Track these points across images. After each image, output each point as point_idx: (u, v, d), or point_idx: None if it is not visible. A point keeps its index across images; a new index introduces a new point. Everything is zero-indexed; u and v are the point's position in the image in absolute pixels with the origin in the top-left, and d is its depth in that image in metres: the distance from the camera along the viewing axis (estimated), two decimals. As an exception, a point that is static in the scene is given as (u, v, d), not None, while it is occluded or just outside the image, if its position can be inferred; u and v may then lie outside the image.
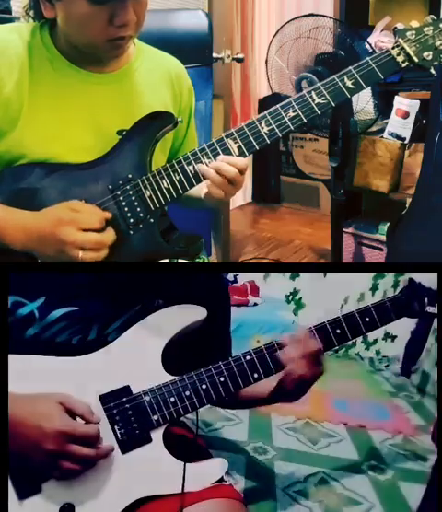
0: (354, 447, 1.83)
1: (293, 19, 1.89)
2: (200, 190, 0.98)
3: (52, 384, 0.75)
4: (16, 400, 0.71)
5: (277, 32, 1.92)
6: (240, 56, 2.20)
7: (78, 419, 0.72)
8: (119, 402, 0.77)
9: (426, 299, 0.87)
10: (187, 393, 0.78)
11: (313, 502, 1.44)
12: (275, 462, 1.65)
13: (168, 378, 0.79)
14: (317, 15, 1.85)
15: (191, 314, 0.83)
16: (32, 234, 0.87)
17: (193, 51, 1.10)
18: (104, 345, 0.81)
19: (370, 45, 1.92)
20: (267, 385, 0.88)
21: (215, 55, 2.01)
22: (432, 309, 0.87)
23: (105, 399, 0.76)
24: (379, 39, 2.16)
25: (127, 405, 0.77)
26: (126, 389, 0.77)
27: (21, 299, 0.79)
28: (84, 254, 0.86)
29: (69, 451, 0.69)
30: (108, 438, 0.75)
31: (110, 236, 0.89)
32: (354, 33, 1.84)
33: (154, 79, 1.02)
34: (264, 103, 3.54)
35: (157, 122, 0.95)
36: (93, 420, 0.72)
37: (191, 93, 1.11)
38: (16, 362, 0.76)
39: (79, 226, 0.86)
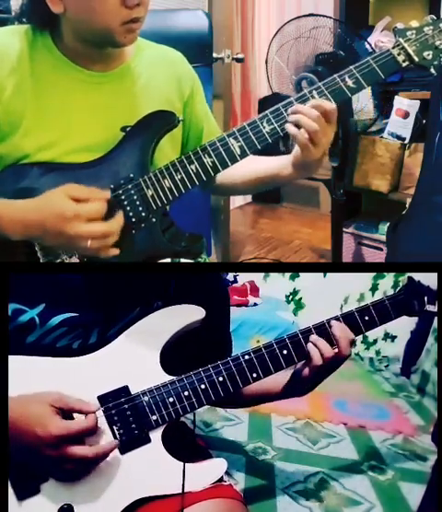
0: (354, 447, 1.83)
1: (293, 19, 1.88)
2: (268, 167, 1.02)
3: (51, 385, 0.75)
4: (9, 403, 0.70)
5: (277, 32, 1.92)
6: (240, 56, 2.20)
7: (76, 417, 0.72)
8: (117, 403, 0.76)
9: (426, 298, 0.87)
10: (186, 393, 0.78)
11: (313, 502, 1.44)
12: (275, 462, 1.65)
13: (167, 378, 0.79)
14: (317, 15, 1.85)
15: (189, 314, 0.83)
16: (33, 226, 0.86)
17: (193, 51, 1.10)
18: None
19: (370, 45, 1.92)
20: (278, 379, 0.88)
21: (215, 55, 2.01)
22: (432, 308, 0.87)
23: (103, 399, 0.76)
24: (379, 39, 2.16)
25: (126, 406, 0.76)
26: (125, 390, 0.77)
27: (21, 306, 0.79)
28: (92, 243, 0.85)
29: (68, 453, 0.69)
30: (106, 439, 0.75)
31: (115, 224, 0.88)
32: (354, 33, 1.84)
33: (156, 73, 1.01)
34: (264, 103, 3.53)
35: (158, 122, 0.95)
36: (89, 410, 0.72)
37: (195, 80, 1.09)
38: (15, 363, 0.76)
39: (84, 218, 0.85)
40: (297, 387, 0.87)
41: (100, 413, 0.75)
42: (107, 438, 0.75)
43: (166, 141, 0.97)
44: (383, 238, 2.26)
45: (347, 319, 0.84)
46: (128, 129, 0.95)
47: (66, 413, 0.72)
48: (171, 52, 1.07)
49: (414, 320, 2.49)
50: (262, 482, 1.54)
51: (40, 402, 0.71)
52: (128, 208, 0.93)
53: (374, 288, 2.91)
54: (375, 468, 1.69)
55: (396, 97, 2.11)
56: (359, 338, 2.90)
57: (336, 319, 0.84)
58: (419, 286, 0.89)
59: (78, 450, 0.69)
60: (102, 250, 0.86)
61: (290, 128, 0.91)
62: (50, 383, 0.76)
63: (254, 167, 1.04)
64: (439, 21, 0.92)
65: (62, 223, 0.84)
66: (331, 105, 0.90)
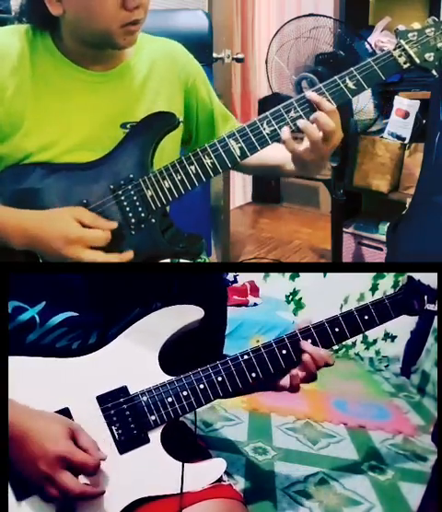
0: (354, 447, 1.83)
1: (293, 19, 1.88)
2: (275, 157, 1.04)
3: (51, 385, 0.75)
4: (28, 413, 0.70)
5: (277, 32, 1.92)
6: (240, 56, 2.20)
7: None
8: (116, 403, 0.76)
9: (426, 297, 0.87)
10: (184, 393, 0.78)
11: (313, 502, 1.45)
12: (275, 462, 1.66)
13: (166, 378, 0.79)
14: (317, 15, 1.84)
15: (188, 314, 0.83)
16: (35, 240, 0.87)
17: (193, 51, 1.10)
18: None
19: (370, 45, 1.91)
20: None
21: (215, 55, 2.01)
22: (431, 307, 0.87)
23: (102, 399, 0.76)
24: (379, 39, 2.16)
25: (124, 406, 0.77)
26: (123, 390, 0.77)
27: (22, 304, 0.79)
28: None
29: (58, 478, 0.67)
30: (105, 439, 0.75)
31: (114, 258, 0.89)
32: (354, 33, 1.83)
33: (155, 66, 1.01)
34: (264, 103, 3.53)
35: (159, 123, 0.95)
36: (96, 455, 0.70)
37: (197, 68, 1.09)
38: (14, 363, 0.76)
39: (86, 245, 0.86)
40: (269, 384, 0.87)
41: (103, 422, 0.75)
42: (106, 439, 0.75)
43: (167, 142, 0.97)
44: (383, 238, 2.26)
45: (347, 318, 0.84)
46: (128, 127, 0.95)
47: (76, 443, 0.71)
48: (170, 43, 1.07)
49: (414, 319, 2.50)
50: (262, 482, 1.54)
51: (59, 423, 0.71)
52: (127, 209, 0.93)
53: (374, 288, 2.91)
54: (375, 468, 1.69)
55: (396, 97, 2.11)
56: (359, 338, 2.90)
57: (336, 319, 0.84)
58: (419, 285, 0.88)
59: (67, 480, 0.67)
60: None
61: (284, 133, 0.91)
62: (49, 383, 0.76)
63: (265, 154, 1.03)
64: (441, 23, 0.91)
65: (64, 244, 0.86)
66: (330, 125, 0.89)
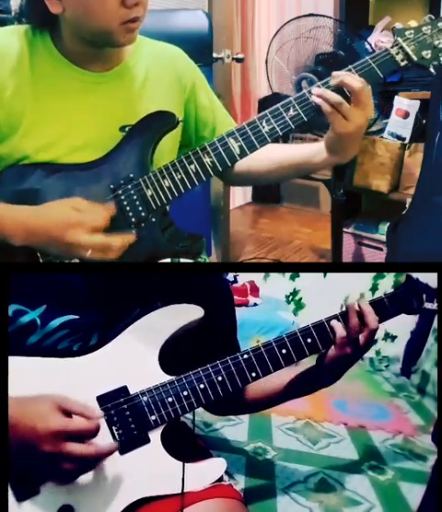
0: (354, 447, 1.83)
1: (293, 19, 1.89)
2: (302, 152, 1.01)
3: (50, 385, 0.75)
4: (11, 402, 0.70)
5: (277, 32, 1.92)
6: (240, 56, 2.20)
7: (78, 418, 0.71)
8: (116, 403, 0.76)
9: (425, 296, 0.87)
10: (185, 393, 0.78)
11: (313, 502, 1.44)
12: (275, 462, 1.65)
13: (166, 378, 0.79)
14: (317, 15, 1.85)
15: (187, 313, 0.83)
16: (34, 232, 0.87)
17: (193, 51, 1.10)
18: None
19: (370, 45, 1.92)
20: (283, 378, 0.87)
21: (215, 55, 2.01)
22: (430, 305, 0.87)
23: (102, 399, 0.76)
24: (379, 39, 2.16)
25: (125, 406, 0.77)
26: (123, 390, 0.77)
27: (23, 308, 0.79)
28: (92, 254, 0.86)
29: (65, 450, 0.68)
30: (106, 439, 0.74)
31: (117, 239, 0.89)
32: (354, 33, 1.84)
33: (154, 70, 1.01)
34: (264, 103, 3.53)
35: (158, 123, 0.95)
36: (93, 416, 0.71)
37: (197, 74, 1.09)
38: (14, 363, 0.76)
39: (86, 228, 0.86)
40: (325, 376, 0.86)
41: (103, 420, 0.75)
42: (106, 441, 0.74)
43: (166, 141, 0.97)
44: (383, 238, 2.26)
45: (346, 317, 0.84)
46: (128, 129, 0.96)
47: (67, 415, 0.71)
48: (170, 48, 1.07)
49: (414, 319, 2.49)
50: (262, 482, 1.53)
51: (43, 401, 0.71)
52: (128, 208, 0.93)
53: (374, 288, 2.91)
54: (375, 468, 1.68)
55: (396, 97, 2.11)
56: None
57: (336, 318, 0.84)
58: (417, 284, 0.88)
59: (77, 448, 0.68)
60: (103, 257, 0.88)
61: (315, 98, 0.90)
62: (49, 383, 0.76)
63: (284, 154, 1.03)
64: (438, 21, 0.92)
65: (64, 230, 0.85)
66: (357, 83, 0.88)
